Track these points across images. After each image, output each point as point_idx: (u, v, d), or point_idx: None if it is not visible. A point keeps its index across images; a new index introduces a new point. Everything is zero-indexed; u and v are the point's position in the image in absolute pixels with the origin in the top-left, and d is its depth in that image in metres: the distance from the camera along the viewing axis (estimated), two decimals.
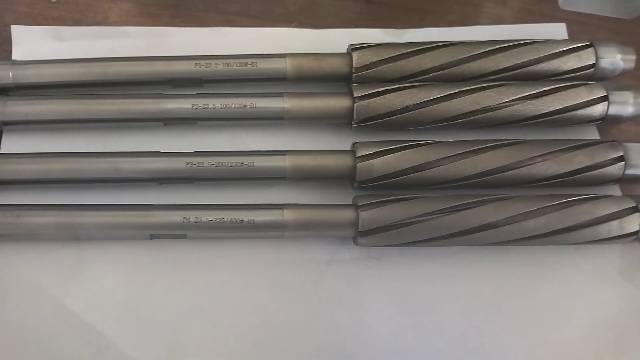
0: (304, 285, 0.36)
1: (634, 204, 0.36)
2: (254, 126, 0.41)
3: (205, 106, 0.38)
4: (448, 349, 0.35)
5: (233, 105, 0.38)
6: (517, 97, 0.39)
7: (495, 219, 0.35)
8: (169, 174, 0.36)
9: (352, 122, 0.39)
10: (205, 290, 0.36)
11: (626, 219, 0.36)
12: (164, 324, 0.35)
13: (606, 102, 0.39)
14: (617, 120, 0.40)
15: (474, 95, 0.39)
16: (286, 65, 0.40)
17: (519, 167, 0.37)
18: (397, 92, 0.39)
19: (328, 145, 0.39)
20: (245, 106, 0.38)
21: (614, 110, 0.40)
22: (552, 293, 0.37)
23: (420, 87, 0.39)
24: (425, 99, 0.38)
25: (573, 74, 0.41)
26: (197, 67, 0.39)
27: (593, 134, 0.43)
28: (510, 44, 0.41)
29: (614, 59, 0.41)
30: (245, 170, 0.36)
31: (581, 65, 0.41)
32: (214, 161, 0.36)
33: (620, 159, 0.38)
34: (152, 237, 0.35)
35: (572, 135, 0.41)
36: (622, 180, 0.39)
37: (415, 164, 0.37)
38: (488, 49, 0.40)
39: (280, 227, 0.35)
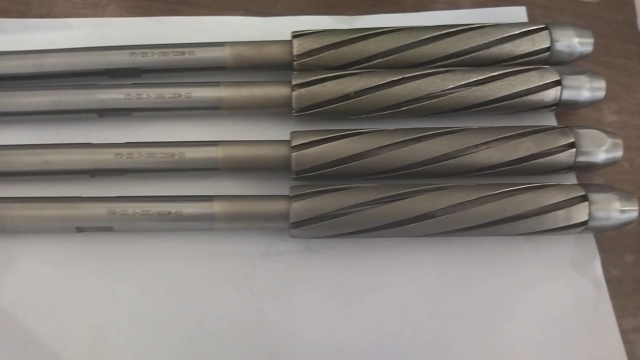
0: (236, 278, 0.35)
1: (584, 193, 0.35)
2: (192, 117, 0.40)
3: (139, 96, 0.37)
4: (381, 342, 0.34)
5: (167, 95, 0.37)
6: (463, 83, 0.37)
7: (433, 208, 0.34)
8: (99, 165, 0.35)
9: (292, 111, 0.38)
10: (132, 284, 0.35)
11: (574, 208, 0.34)
12: (89, 318, 0.34)
13: (559, 87, 0.38)
14: (573, 105, 0.39)
15: (417, 81, 0.37)
16: (225, 54, 0.39)
17: (461, 156, 0.35)
18: (337, 80, 0.37)
19: (270, 135, 0.38)
20: (180, 96, 0.37)
21: (568, 95, 0.38)
22: (497, 285, 0.36)
23: (361, 75, 0.38)
24: (366, 87, 0.37)
25: (527, 59, 0.39)
26: (133, 56, 0.38)
27: (551, 121, 0.41)
28: (459, 28, 0.39)
29: (570, 42, 0.39)
30: (176, 162, 0.35)
31: (535, 49, 0.39)
32: (144, 152, 0.35)
33: (572, 145, 0.36)
34: (78, 230, 0.35)
35: (528, 122, 0.39)
36: (577, 168, 0.37)
37: (352, 153, 0.35)
38: (435, 34, 0.39)
39: (209, 219, 0.34)
